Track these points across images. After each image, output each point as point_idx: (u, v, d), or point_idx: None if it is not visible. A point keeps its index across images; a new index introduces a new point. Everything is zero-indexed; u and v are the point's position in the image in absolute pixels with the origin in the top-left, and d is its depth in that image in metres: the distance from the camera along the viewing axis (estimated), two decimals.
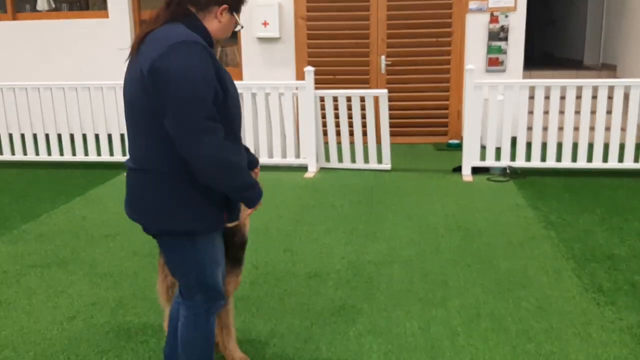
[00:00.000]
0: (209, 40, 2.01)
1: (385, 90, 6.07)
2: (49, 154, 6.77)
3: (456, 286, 3.50)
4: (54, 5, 8.43)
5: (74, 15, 8.37)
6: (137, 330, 3.06)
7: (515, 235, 4.31)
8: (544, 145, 6.16)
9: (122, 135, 6.63)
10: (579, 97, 6.38)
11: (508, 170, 5.99)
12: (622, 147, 5.95)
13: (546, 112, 6.62)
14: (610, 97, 6.50)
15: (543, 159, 6.04)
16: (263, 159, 6.42)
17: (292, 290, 3.49)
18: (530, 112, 6.93)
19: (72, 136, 6.71)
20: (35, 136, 6.78)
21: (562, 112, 6.29)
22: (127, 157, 2.09)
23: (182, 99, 1.82)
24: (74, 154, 6.73)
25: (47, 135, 6.73)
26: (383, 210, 4.98)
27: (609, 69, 8.68)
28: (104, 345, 2.92)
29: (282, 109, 6.38)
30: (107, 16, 8.16)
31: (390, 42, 7.60)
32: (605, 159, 5.95)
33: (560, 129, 6.43)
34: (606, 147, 5.95)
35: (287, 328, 3.04)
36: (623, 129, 6.12)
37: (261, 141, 6.45)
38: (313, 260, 3.93)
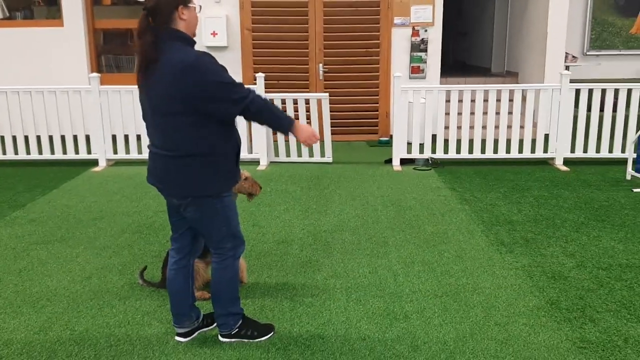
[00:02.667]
0: (192, 40, 2.64)
1: (327, 94, 7.03)
2: (16, 153, 7.24)
3: (394, 244, 4.48)
4: (8, 14, 8.81)
5: (29, 24, 8.79)
6: None
7: (437, 209, 5.36)
8: (459, 141, 7.32)
9: (87, 136, 7.21)
10: (486, 100, 7.60)
11: (430, 161, 7.09)
12: (521, 141, 7.20)
13: (460, 113, 7.79)
14: (511, 100, 7.77)
15: (458, 151, 7.20)
16: None
17: (265, 252, 4.35)
18: (447, 113, 8.09)
19: (38, 137, 7.21)
20: (2, 138, 7.22)
21: (472, 113, 7.47)
22: (152, 145, 2.73)
23: (228, 85, 2.58)
24: (40, 152, 7.24)
25: (14, 137, 7.19)
26: (330, 194, 5.91)
27: (512, 75, 10.06)
28: (123, 294, 3.66)
29: None
30: (61, 25, 8.64)
31: (327, 52, 8.59)
32: (508, 151, 7.18)
33: (472, 127, 7.62)
34: (508, 141, 7.18)
35: (268, 277, 3.89)
36: (522, 127, 7.38)
37: None
38: (278, 231, 4.80)
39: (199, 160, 2.67)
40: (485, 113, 7.68)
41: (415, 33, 8.41)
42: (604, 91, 7.03)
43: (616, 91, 7.04)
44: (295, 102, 7.39)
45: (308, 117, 7.23)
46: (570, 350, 2.94)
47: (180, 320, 3.03)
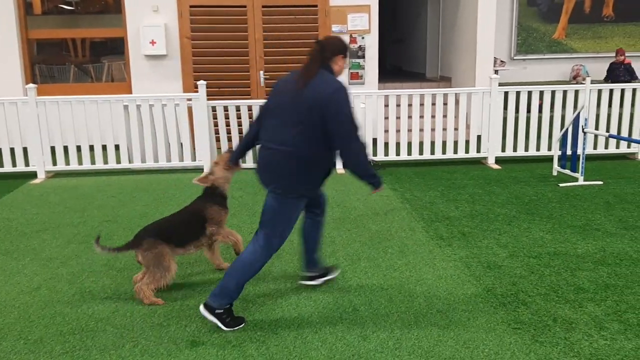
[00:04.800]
0: (334, 75, 3.31)
1: None
2: None
3: (341, 243, 4.66)
4: None
5: None
6: (99, 290, 3.83)
7: (380, 208, 5.59)
8: (398, 144, 7.61)
9: (24, 148, 7.05)
10: (422, 104, 7.93)
11: (372, 164, 7.33)
12: (455, 142, 7.56)
13: (398, 117, 8.10)
14: (445, 104, 8.14)
15: (398, 153, 7.49)
16: (162, 163, 7.20)
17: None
18: (386, 118, 8.39)
19: None
20: None
21: (410, 117, 7.79)
22: (269, 141, 3.26)
23: (342, 111, 3.14)
24: None
25: None
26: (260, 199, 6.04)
27: (446, 80, 10.51)
28: (74, 302, 3.67)
29: (178, 118, 7.22)
30: None
31: (267, 59, 8.73)
32: (444, 152, 7.54)
33: (410, 130, 7.93)
34: (444, 143, 7.53)
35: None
36: (456, 129, 7.75)
37: (160, 147, 7.22)
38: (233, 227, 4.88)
39: (303, 163, 3.22)
40: (422, 116, 8.02)
41: (353, 40, 8.67)
42: (530, 93, 7.49)
43: (541, 93, 7.52)
44: (237, 109, 7.49)
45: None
46: (506, 331, 3.19)
47: (309, 266, 3.76)
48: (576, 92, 7.44)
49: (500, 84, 7.79)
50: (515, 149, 7.59)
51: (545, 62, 10.60)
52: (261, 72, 8.72)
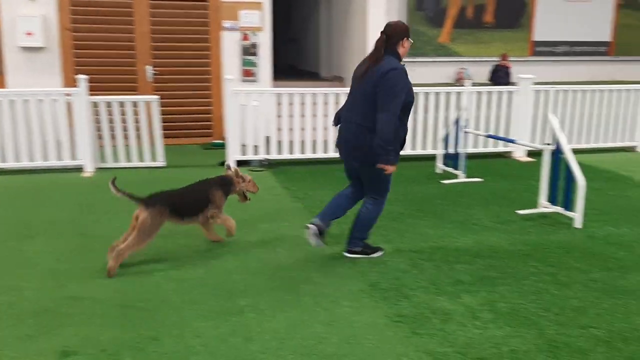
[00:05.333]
0: (400, 59, 3.90)
1: (157, 97, 6.90)
2: None
3: (228, 242, 4.57)
4: None
5: None
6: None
7: (272, 207, 5.56)
8: (291, 142, 7.61)
9: None
10: (315, 103, 7.98)
11: (265, 162, 7.29)
12: None
13: (291, 116, 8.10)
14: (337, 103, 8.24)
15: (291, 152, 7.50)
16: (38, 162, 6.72)
17: (94, 259, 4.19)
18: (280, 116, 8.36)
19: None
20: None
21: (303, 116, 7.81)
22: (346, 118, 4.01)
23: (393, 91, 3.73)
24: None
25: None
26: None
27: (339, 80, 10.67)
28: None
29: (56, 115, 6.76)
30: None
31: (156, 54, 8.41)
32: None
33: (303, 129, 7.95)
34: None
35: (96, 284, 3.76)
36: None
37: (35, 144, 6.73)
38: (107, 239, 4.63)
39: (372, 134, 3.82)
40: (314, 115, 8.07)
41: (245, 37, 8.57)
42: (417, 94, 7.77)
43: (427, 94, 7.82)
44: (121, 104, 7.14)
45: (137, 121, 7.02)
46: (387, 325, 3.26)
47: (323, 219, 4.21)
48: (458, 94, 7.82)
49: None
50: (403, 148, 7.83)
51: (432, 65, 11.07)
52: (149, 66, 8.39)
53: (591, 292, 3.71)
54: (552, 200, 5.36)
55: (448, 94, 7.86)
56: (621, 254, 4.37)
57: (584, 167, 7.16)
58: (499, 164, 7.76)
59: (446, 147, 7.03)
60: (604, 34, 11.58)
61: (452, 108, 7.77)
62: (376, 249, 4.32)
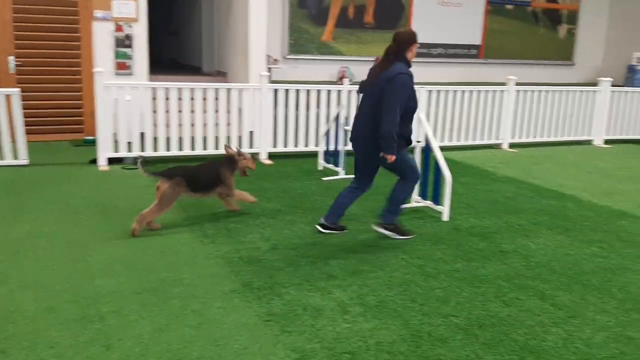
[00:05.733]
0: (409, 63, 4.42)
1: (18, 90, 6.36)
2: None
3: (95, 247, 4.31)
4: None
5: None
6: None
7: (144, 206, 5.29)
8: (168, 139, 7.34)
9: None
10: (193, 98, 7.76)
11: (139, 159, 6.96)
12: (228, 138, 7.55)
13: (167, 111, 7.82)
14: (217, 99, 8.08)
15: (168, 149, 7.23)
16: None
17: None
18: (155, 111, 8.04)
19: None
20: None
21: (181, 111, 7.56)
22: (357, 115, 4.61)
23: (396, 93, 4.24)
24: None
25: None
26: (25, 199, 5.39)
27: (222, 75, 10.47)
28: None
29: None
30: None
31: (19, 44, 7.77)
32: (216, 147, 7.47)
33: (180, 125, 7.71)
34: (217, 138, 7.47)
35: None
36: (229, 124, 7.74)
37: None
38: None
39: (374, 132, 4.39)
40: (192, 111, 7.85)
41: (119, 28, 8.15)
42: (298, 92, 7.80)
43: (308, 92, 7.88)
44: None
45: None
46: (257, 325, 3.21)
47: (330, 218, 4.73)
48: (339, 92, 7.96)
49: (275, 82, 7.97)
50: (286, 145, 7.85)
51: (315, 63, 11.17)
52: (11, 57, 7.73)
53: (454, 281, 3.90)
54: (423, 195, 5.59)
55: (329, 91, 7.96)
56: (482, 245, 4.64)
57: (453, 163, 7.58)
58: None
59: (327, 144, 7.12)
60: (475, 37, 12.30)
61: (334, 105, 7.88)
62: (408, 233, 4.75)
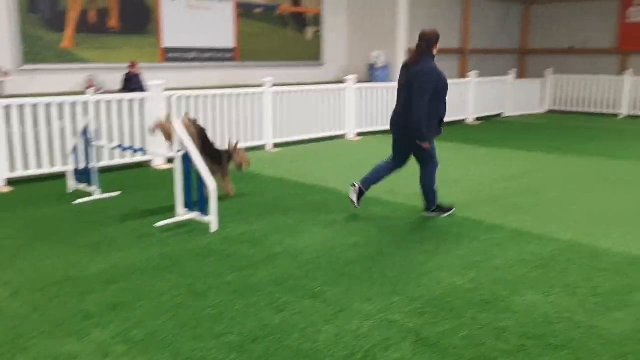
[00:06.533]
0: (433, 57, 5.13)
1: None
2: None
3: None
4: None
5: None
6: None
7: None
8: None
9: None
10: None
11: None
12: None
13: None
14: None
15: None
16: None
17: None
18: None
19: None
20: None
21: None
22: (396, 106, 5.37)
23: (423, 86, 4.96)
24: None
25: None
26: None
27: None
28: None
29: None
30: None
31: None
32: None
33: None
34: None
35: None
36: None
37: None
38: None
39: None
40: None
41: None
42: (37, 106, 6.89)
43: (49, 106, 7.01)
44: None
45: None
46: None
47: (364, 184, 5.47)
48: (85, 103, 7.23)
49: (8, 97, 6.89)
50: (27, 167, 6.89)
51: (57, 73, 10.08)
52: None
53: (226, 295, 3.72)
54: (189, 206, 5.33)
55: (74, 104, 7.19)
56: (253, 251, 4.55)
57: None
58: (139, 174, 7.49)
59: (76, 162, 6.40)
60: (229, 40, 12.36)
61: (80, 119, 7.14)
62: (449, 208, 5.54)
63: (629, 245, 4.71)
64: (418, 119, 5.02)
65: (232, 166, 6.38)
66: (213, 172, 5.74)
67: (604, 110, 14.74)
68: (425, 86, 5.00)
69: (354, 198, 5.46)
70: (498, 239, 4.86)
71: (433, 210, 5.48)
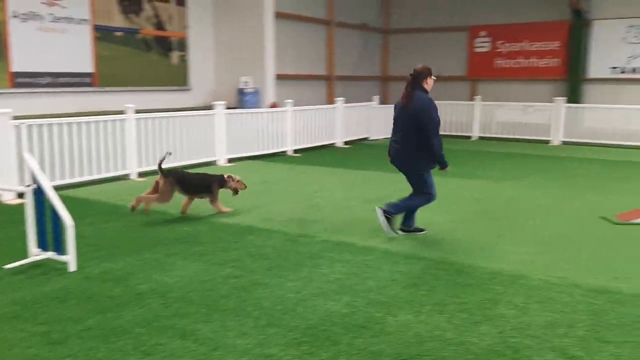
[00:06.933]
0: (427, 91, 5.58)
1: None
2: None
3: None
4: None
5: None
6: None
7: None
8: None
9: None
10: None
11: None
12: None
13: None
14: None
15: None
16: None
17: None
18: None
19: None
20: None
21: None
22: (393, 140, 5.73)
23: (432, 122, 5.44)
24: None
25: None
26: None
27: None
28: None
29: None
30: None
31: None
32: None
33: None
34: None
35: None
36: None
37: None
38: None
39: (413, 151, 5.53)
40: None
41: None
42: None
43: None
44: None
45: None
46: None
47: (405, 223, 5.85)
48: None
49: None
50: None
51: None
52: None
53: (87, 342, 3.39)
54: (43, 245, 4.85)
55: None
56: (117, 291, 4.22)
57: (77, 202, 6.93)
58: None
59: None
60: (86, 65, 11.65)
61: None
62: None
63: (486, 260, 5.01)
64: (438, 148, 5.41)
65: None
66: (202, 197, 6.52)
67: (459, 133, 15.88)
68: (433, 116, 5.38)
69: (393, 231, 5.69)
70: (370, 260, 4.95)
71: (387, 216, 5.65)
